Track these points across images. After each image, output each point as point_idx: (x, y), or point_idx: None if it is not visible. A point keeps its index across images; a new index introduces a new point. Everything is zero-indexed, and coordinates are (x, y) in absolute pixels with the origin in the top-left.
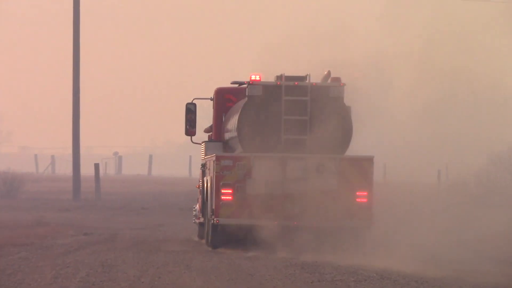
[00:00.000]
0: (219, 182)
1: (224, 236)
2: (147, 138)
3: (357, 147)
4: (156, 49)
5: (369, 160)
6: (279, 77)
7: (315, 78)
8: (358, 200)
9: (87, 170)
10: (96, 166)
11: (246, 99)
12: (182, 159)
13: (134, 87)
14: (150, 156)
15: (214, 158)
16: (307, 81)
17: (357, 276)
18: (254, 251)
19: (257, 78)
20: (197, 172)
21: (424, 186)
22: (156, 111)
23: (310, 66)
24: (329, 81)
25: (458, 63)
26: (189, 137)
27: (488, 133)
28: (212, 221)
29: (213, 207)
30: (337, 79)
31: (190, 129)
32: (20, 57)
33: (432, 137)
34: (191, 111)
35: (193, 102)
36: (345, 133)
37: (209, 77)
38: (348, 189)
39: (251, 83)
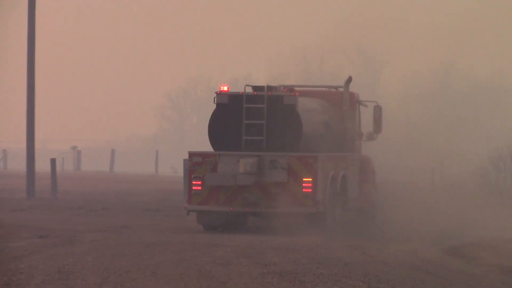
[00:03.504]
0: (191, 175)
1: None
2: (109, 132)
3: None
4: (120, 36)
5: (314, 157)
6: (255, 88)
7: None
8: (304, 190)
9: (42, 166)
10: (53, 162)
11: (216, 106)
12: (147, 155)
13: (95, 76)
14: (112, 151)
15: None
16: (265, 91)
17: (341, 284)
18: (222, 249)
19: (225, 88)
20: (164, 168)
21: (417, 186)
22: (119, 102)
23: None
24: (350, 85)
25: (453, 55)
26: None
27: (487, 129)
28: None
29: (187, 196)
30: (290, 89)
31: None
32: None
33: (426, 132)
34: None
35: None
36: (296, 134)
37: (179, 68)
38: (296, 181)
39: (219, 93)
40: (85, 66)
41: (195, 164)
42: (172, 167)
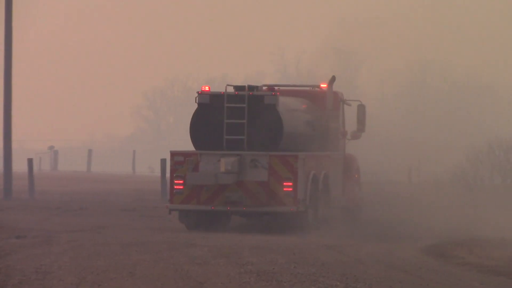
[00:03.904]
0: (173, 174)
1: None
2: (86, 131)
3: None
4: (97, 36)
5: (295, 156)
6: (236, 87)
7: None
8: (285, 189)
9: (19, 166)
10: (30, 162)
11: (197, 106)
12: (124, 155)
13: (72, 76)
14: (89, 151)
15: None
16: (246, 90)
17: (319, 284)
18: (199, 249)
19: (206, 88)
20: (141, 168)
21: (395, 185)
22: (96, 102)
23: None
24: (333, 84)
25: (429, 52)
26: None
27: (464, 127)
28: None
29: (169, 195)
30: (271, 89)
31: None
32: None
33: (404, 131)
34: None
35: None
36: (277, 134)
37: (155, 67)
38: (276, 180)
39: (200, 93)
40: (62, 66)
41: (177, 163)
42: (150, 167)
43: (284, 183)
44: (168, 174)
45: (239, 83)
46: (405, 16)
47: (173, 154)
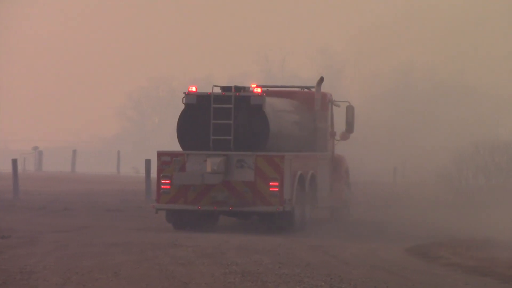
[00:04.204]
0: (160, 174)
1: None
2: (70, 132)
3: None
4: (81, 36)
5: (281, 156)
6: (224, 88)
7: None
8: (271, 189)
9: (3, 166)
10: (14, 162)
11: (184, 106)
12: (109, 155)
13: (56, 76)
14: (74, 151)
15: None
16: (232, 91)
17: (303, 285)
18: (183, 249)
19: (193, 89)
20: (126, 169)
21: (380, 186)
22: (81, 102)
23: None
24: (321, 85)
25: (413, 54)
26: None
27: (449, 128)
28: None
29: (156, 195)
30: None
31: None
32: None
33: (390, 132)
34: None
35: None
36: (263, 134)
37: (140, 68)
38: (263, 180)
39: (187, 94)
40: (46, 67)
41: (164, 163)
42: (134, 167)
43: (270, 183)
44: (153, 175)
45: (223, 83)
46: (390, 17)
47: (160, 154)
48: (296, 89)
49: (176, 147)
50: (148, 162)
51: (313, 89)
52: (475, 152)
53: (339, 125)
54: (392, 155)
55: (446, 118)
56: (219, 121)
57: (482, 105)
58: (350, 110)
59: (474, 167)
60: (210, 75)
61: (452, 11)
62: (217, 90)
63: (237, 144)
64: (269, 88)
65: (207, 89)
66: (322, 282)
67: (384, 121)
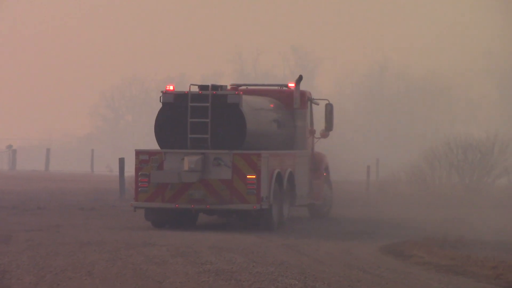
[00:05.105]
0: (138, 172)
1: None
2: (44, 130)
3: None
4: (55, 34)
5: (257, 154)
6: (201, 86)
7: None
8: (248, 187)
9: None
10: None
11: (162, 105)
12: (83, 154)
13: (29, 74)
14: (47, 150)
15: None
16: (209, 90)
17: (277, 283)
18: (157, 248)
19: (171, 88)
20: (99, 167)
21: (353, 184)
22: (55, 101)
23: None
24: (300, 84)
25: (388, 54)
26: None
27: (422, 128)
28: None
29: (134, 193)
30: (235, 88)
31: None
32: None
33: (363, 130)
34: None
35: None
36: (240, 132)
37: (113, 66)
38: (240, 178)
39: (164, 92)
40: (19, 64)
41: (142, 161)
42: (108, 166)
43: (247, 181)
44: (127, 173)
45: (197, 82)
46: (364, 17)
47: (138, 152)
48: (275, 88)
49: (150, 145)
50: (122, 161)
51: (286, 88)
52: (448, 151)
53: (319, 123)
54: (365, 153)
55: (420, 117)
56: (196, 119)
57: (455, 105)
58: (328, 108)
59: (447, 165)
60: (183, 74)
61: (428, 13)
62: (195, 89)
63: (214, 143)
64: (248, 87)
65: (182, 88)
66: (296, 280)
67: (358, 120)
